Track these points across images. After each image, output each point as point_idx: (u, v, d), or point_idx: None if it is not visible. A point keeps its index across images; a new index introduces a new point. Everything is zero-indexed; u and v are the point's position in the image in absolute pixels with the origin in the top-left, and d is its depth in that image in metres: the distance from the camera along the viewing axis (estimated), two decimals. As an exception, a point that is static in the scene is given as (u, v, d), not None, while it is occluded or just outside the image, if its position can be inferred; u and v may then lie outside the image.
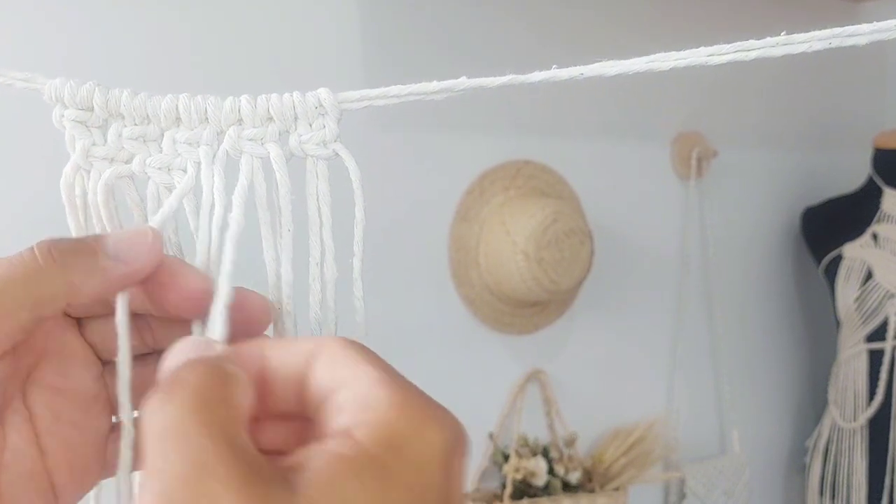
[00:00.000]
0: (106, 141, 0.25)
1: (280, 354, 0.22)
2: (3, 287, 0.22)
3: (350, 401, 0.20)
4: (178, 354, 0.22)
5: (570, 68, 0.21)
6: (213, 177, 0.25)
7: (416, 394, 0.21)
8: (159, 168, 0.25)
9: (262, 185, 0.26)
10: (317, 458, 0.19)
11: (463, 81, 0.24)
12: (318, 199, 0.26)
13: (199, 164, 0.25)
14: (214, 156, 0.25)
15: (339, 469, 0.19)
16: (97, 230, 0.26)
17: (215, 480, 0.18)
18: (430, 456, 0.20)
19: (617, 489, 1.18)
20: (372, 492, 0.18)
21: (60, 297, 0.23)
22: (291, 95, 0.25)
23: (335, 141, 0.25)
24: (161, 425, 0.19)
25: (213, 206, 0.25)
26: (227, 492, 0.17)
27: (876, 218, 1.36)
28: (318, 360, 0.22)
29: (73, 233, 0.26)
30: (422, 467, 0.20)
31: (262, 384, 0.22)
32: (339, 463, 0.19)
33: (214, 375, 0.20)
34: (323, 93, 0.25)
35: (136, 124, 0.25)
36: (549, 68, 0.24)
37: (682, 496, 1.33)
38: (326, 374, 0.21)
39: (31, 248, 0.23)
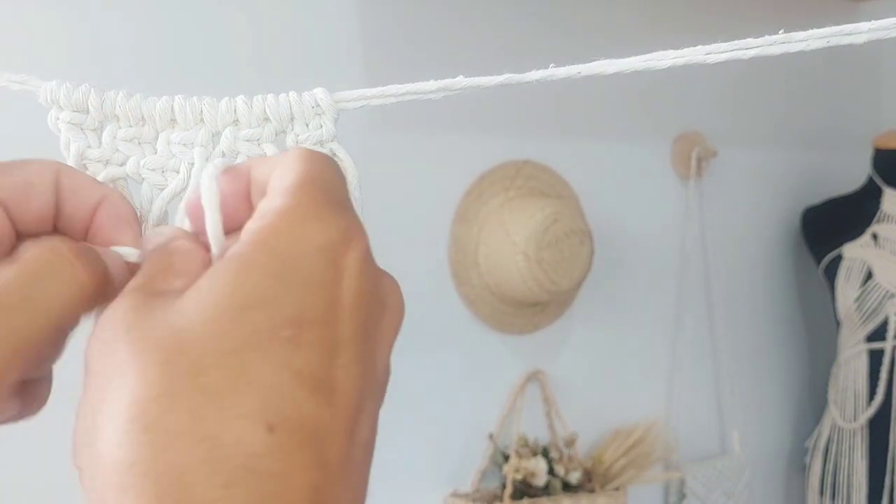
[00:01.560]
0: (101, 143, 0.25)
1: (258, 165, 0.23)
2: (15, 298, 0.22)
3: (258, 209, 0.22)
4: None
5: (567, 67, 0.21)
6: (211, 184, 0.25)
7: (313, 202, 0.21)
8: (153, 169, 0.25)
9: None
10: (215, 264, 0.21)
11: (460, 81, 0.24)
12: None
13: (191, 164, 0.25)
14: (209, 157, 0.25)
15: (223, 263, 0.21)
16: None
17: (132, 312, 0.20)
18: (304, 249, 0.20)
19: (617, 489, 1.18)
20: (242, 271, 0.20)
21: (80, 302, 0.22)
22: (288, 95, 0.25)
23: (332, 141, 0.25)
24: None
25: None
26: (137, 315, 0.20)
27: (876, 218, 1.36)
28: (276, 168, 0.23)
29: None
30: (292, 259, 0.20)
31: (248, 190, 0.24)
32: (227, 259, 0.21)
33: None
34: (319, 92, 0.25)
35: (130, 126, 0.25)
36: (548, 66, 0.24)
37: (682, 496, 1.33)
38: (267, 178, 0.23)
39: (55, 246, 0.23)
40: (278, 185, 0.22)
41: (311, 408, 0.19)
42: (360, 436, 0.20)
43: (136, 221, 0.25)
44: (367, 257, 0.22)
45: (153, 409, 0.18)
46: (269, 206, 0.21)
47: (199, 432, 0.18)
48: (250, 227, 0.21)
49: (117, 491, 0.18)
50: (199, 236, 0.23)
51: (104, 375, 0.19)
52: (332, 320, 0.20)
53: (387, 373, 0.22)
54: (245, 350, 0.19)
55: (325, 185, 0.22)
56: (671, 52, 0.19)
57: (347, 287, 0.21)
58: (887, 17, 0.23)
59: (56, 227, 0.24)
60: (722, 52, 0.19)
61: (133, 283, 0.22)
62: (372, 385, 0.21)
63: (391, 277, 0.23)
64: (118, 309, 0.20)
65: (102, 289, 0.22)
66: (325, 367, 0.20)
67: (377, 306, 0.22)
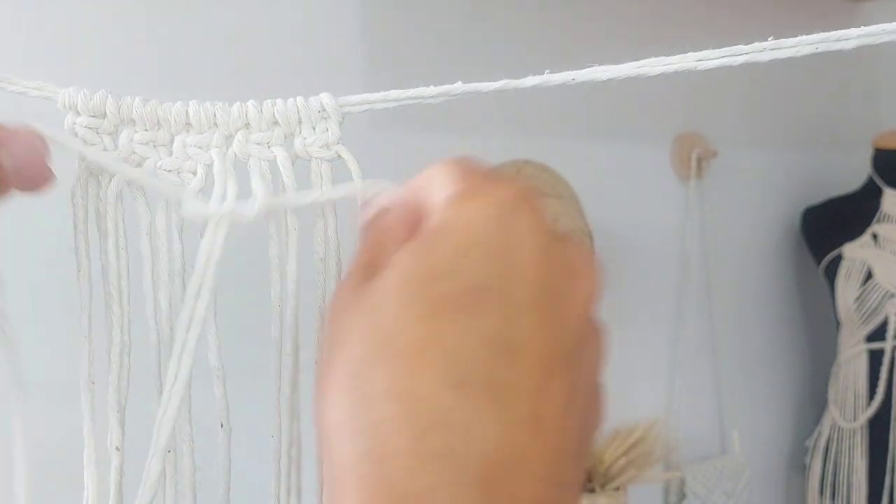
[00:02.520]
0: (117, 146, 0.26)
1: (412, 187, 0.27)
2: None
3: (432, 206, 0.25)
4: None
5: (562, 73, 0.22)
6: (225, 174, 0.26)
7: (477, 181, 0.24)
8: (169, 171, 0.26)
9: (270, 186, 0.26)
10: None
11: (459, 86, 0.24)
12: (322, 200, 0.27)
13: (208, 165, 0.26)
14: (223, 158, 0.26)
15: (407, 246, 0.23)
16: (105, 236, 0.27)
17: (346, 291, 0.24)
18: (477, 222, 0.22)
19: (617, 489, 1.19)
20: (424, 250, 0.22)
21: None
22: (295, 100, 0.26)
23: (338, 143, 0.26)
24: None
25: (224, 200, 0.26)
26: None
27: (876, 218, 1.36)
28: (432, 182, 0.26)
29: (75, 238, 0.27)
30: (466, 232, 0.22)
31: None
32: (409, 244, 0.23)
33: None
34: (325, 97, 0.26)
35: (146, 129, 0.26)
36: (544, 71, 0.24)
37: (682, 496, 1.33)
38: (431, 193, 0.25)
39: None
40: (437, 183, 0.25)
41: (496, 367, 0.21)
42: (553, 397, 0.21)
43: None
44: (539, 218, 0.23)
45: (363, 372, 0.21)
46: (434, 199, 0.24)
47: (396, 392, 0.20)
48: (434, 208, 0.24)
49: (338, 444, 0.21)
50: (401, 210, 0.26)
51: (335, 343, 0.23)
52: (509, 286, 0.22)
53: (588, 335, 0.24)
54: (431, 317, 0.21)
55: (477, 168, 0.24)
56: (663, 59, 0.20)
57: (523, 252, 0.22)
58: (887, 17, 0.24)
59: None
60: (712, 59, 0.20)
61: (359, 260, 0.25)
62: (561, 348, 0.22)
63: (579, 246, 0.25)
64: (346, 285, 0.24)
65: None
66: (507, 329, 0.21)
67: (560, 272, 0.23)
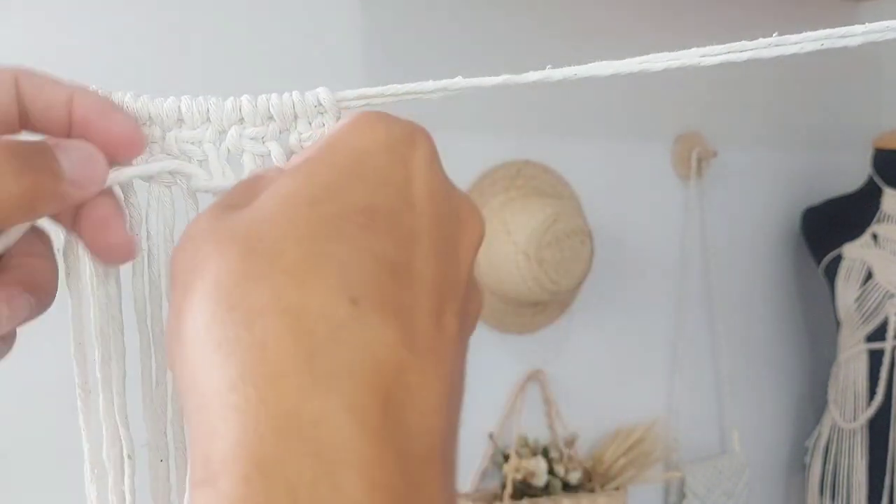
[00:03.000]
0: None
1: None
2: None
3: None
4: None
5: (564, 69, 0.22)
6: (222, 169, 0.25)
7: (374, 114, 0.23)
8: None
9: None
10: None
11: (459, 81, 0.24)
12: None
13: (201, 161, 0.26)
14: (218, 152, 0.26)
15: (283, 175, 0.22)
16: None
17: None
18: (371, 147, 0.21)
19: (617, 489, 1.19)
20: (307, 170, 0.21)
21: (14, 218, 0.22)
22: (291, 95, 0.25)
23: None
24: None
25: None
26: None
27: (876, 218, 1.36)
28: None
29: (65, 241, 0.26)
30: (359, 155, 0.21)
31: None
32: (286, 172, 0.22)
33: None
34: (322, 92, 0.25)
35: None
36: (545, 68, 0.24)
37: (682, 496, 1.33)
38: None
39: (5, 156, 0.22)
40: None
41: (392, 287, 0.19)
42: (446, 329, 0.20)
43: (116, 105, 0.25)
44: (435, 159, 0.22)
45: (237, 290, 0.19)
46: (335, 125, 0.23)
47: (283, 307, 0.18)
48: (320, 141, 0.23)
49: (205, 373, 0.18)
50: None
51: (189, 272, 0.20)
52: (405, 212, 0.21)
53: (472, 287, 0.22)
54: (321, 235, 0.20)
55: (382, 113, 0.23)
56: (666, 55, 0.20)
57: (418, 184, 0.21)
58: (887, 17, 0.24)
59: (32, 128, 0.24)
60: (716, 55, 0.20)
61: (216, 201, 0.23)
62: (454, 286, 0.21)
63: (465, 195, 0.23)
64: (199, 219, 0.21)
65: (43, 191, 0.22)
66: (403, 252, 0.20)
67: (451, 213, 0.22)
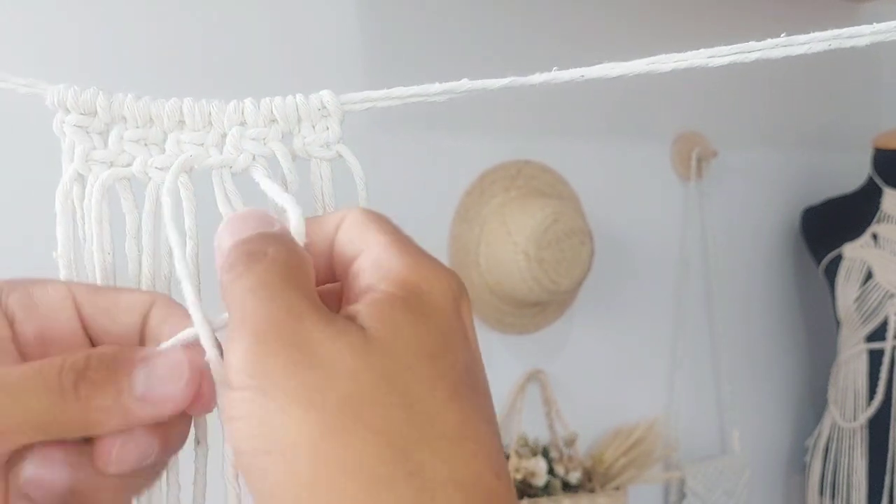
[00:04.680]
0: (107, 145, 0.25)
1: (315, 229, 0.24)
2: (10, 405, 0.20)
3: (368, 264, 0.23)
4: (242, 226, 0.23)
5: (570, 70, 0.22)
6: (221, 174, 0.25)
7: (422, 254, 0.23)
8: (161, 168, 0.25)
9: (269, 184, 0.26)
10: (363, 305, 0.22)
11: (464, 83, 0.24)
12: (322, 200, 0.26)
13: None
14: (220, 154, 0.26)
15: (385, 305, 0.21)
16: (90, 238, 0.26)
17: (307, 321, 0.20)
18: (444, 301, 0.22)
19: (617, 489, 1.19)
20: (415, 320, 0.21)
21: (69, 433, 0.21)
22: (294, 98, 0.25)
23: (338, 142, 0.26)
24: (251, 283, 0.21)
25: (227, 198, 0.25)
26: (317, 329, 0.20)
27: (876, 218, 1.36)
28: (341, 228, 0.24)
29: (60, 240, 0.25)
30: (440, 310, 0.22)
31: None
32: (382, 301, 0.21)
33: (291, 249, 0.22)
34: (326, 95, 0.25)
35: (138, 127, 0.25)
36: (550, 68, 0.24)
37: (682, 496, 1.33)
38: (346, 240, 0.24)
39: (58, 370, 0.21)
40: (374, 237, 0.23)
41: (499, 447, 0.21)
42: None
43: (187, 314, 0.23)
44: (469, 300, 0.24)
45: (414, 455, 0.19)
46: (382, 258, 0.23)
47: (461, 480, 0.20)
48: (376, 276, 0.22)
49: None
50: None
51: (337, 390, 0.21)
52: (480, 367, 0.22)
53: None
54: (455, 399, 0.20)
55: (404, 234, 0.24)
56: (674, 56, 0.19)
57: (472, 335, 0.23)
58: (888, 17, 0.23)
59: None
60: (724, 56, 0.19)
61: (301, 286, 0.22)
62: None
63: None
64: (336, 325, 0.21)
65: (98, 411, 0.21)
66: (490, 408, 0.22)
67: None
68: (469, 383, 0.21)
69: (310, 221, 0.24)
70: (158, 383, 0.21)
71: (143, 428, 0.22)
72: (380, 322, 0.21)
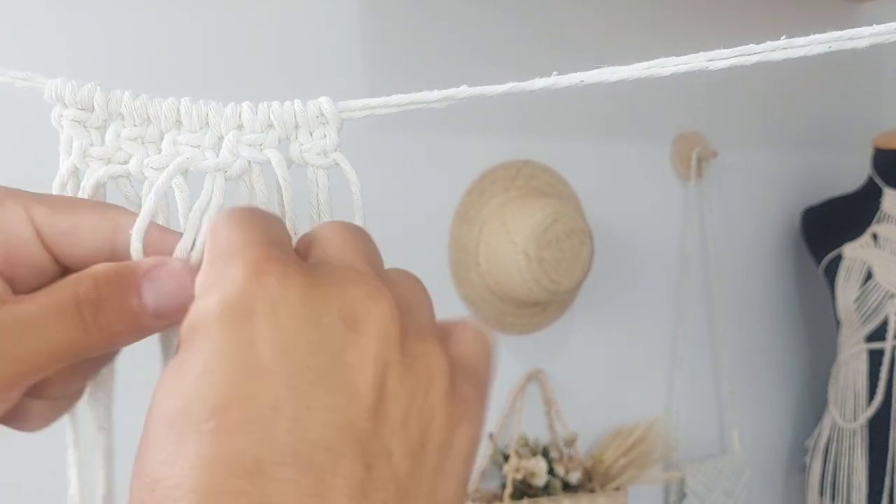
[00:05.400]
0: (104, 141, 0.25)
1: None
2: (34, 341, 0.21)
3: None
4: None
5: (570, 75, 0.21)
6: (214, 178, 0.25)
7: (213, 284, 0.21)
8: (156, 168, 0.25)
9: (263, 189, 0.26)
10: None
11: (464, 90, 0.24)
12: (318, 208, 0.26)
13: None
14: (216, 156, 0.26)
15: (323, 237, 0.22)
16: None
17: (273, 261, 0.20)
18: (209, 343, 0.20)
19: (617, 489, 1.19)
20: (164, 380, 0.19)
21: (91, 355, 0.22)
22: (293, 104, 0.25)
23: (335, 150, 0.26)
24: (220, 237, 0.21)
25: (209, 203, 0.25)
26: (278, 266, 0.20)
27: (876, 218, 1.36)
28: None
29: None
30: (208, 351, 0.20)
31: None
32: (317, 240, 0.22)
33: (262, 214, 0.23)
34: (324, 102, 0.25)
35: (135, 125, 0.25)
36: (549, 71, 0.24)
37: (682, 496, 1.33)
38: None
39: (75, 303, 0.21)
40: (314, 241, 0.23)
41: (258, 496, 0.18)
42: (342, 488, 0.19)
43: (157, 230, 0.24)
44: (281, 302, 0.20)
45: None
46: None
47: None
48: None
49: None
50: None
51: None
52: (254, 387, 0.19)
53: (397, 379, 0.20)
54: (178, 460, 0.19)
55: (223, 241, 0.22)
56: (674, 59, 0.19)
57: (262, 350, 0.20)
58: (888, 17, 0.23)
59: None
60: (724, 59, 0.19)
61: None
62: (343, 424, 0.20)
63: (357, 281, 0.21)
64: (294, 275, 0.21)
65: (118, 333, 0.22)
66: (259, 442, 0.19)
67: (328, 328, 0.20)
68: (203, 428, 0.18)
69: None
70: (169, 298, 0.22)
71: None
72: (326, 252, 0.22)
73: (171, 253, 0.24)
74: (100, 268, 0.22)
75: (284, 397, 0.18)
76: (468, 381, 0.22)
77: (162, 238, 0.24)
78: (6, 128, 0.82)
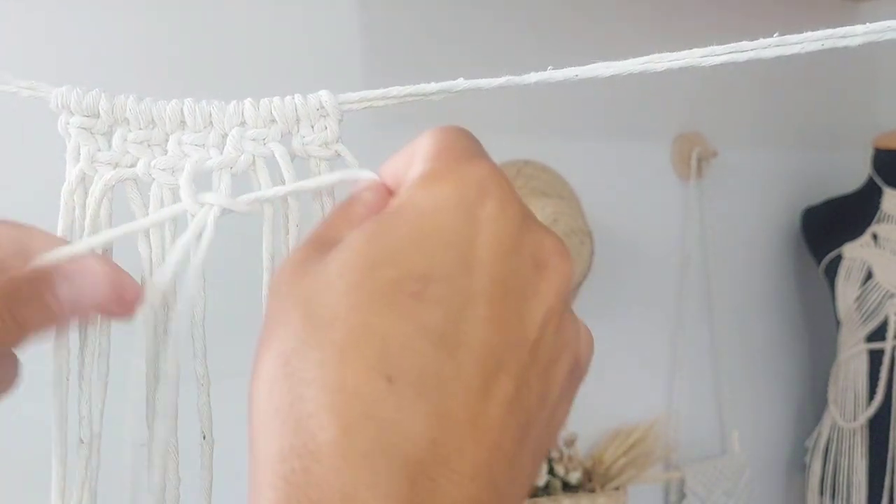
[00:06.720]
0: (111, 146, 0.26)
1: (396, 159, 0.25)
2: None
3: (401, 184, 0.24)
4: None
5: (565, 70, 0.22)
6: (220, 170, 0.25)
7: (447, 162, 0.22)
8: (164, 170, 0.26)
9: (269, 184, 0.26)
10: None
11: (460, 83, 0.24)
12: (321, 199, 0.27)
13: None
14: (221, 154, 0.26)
15: (353, 233, 0.22)
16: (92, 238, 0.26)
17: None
18: (439, 206, 0.21)
19: (617, 489, 1.19)
20: (361, 241, 0.21)
21: (6, 347, 0.24)
22: (293, 98, 0.26)
23: (337, 142, 0.26)
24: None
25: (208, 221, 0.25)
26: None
27: (876, 218, 1.36)
28: (413, 163, 0.24)
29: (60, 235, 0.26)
30: (426, 217, 0.21)
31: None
32: (357, 230, 0.22)
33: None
34: (324, 95, 0.25)
35: (140, 128, 0.26)
36: (546, 69, 0.24)
37: (682, 496, 1.33)
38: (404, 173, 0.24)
39: None
40: (416, 158, 0.23)
41: (434, 359, 0.20)
42: (497, 393, 0.20)
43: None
44: (506, 206, 0.22)
45: (294, 359, 0.20)
46: (407, 176, 0.23)
47: (326, 383, 0.19)
48: (401, 188, 0.23)
49: (263, 437, 0.20)
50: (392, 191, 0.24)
51: (270, 320, 0.21)
52: (462, 275, 0.20)
53: (559, 339, 0.22)
54: (370, 305, 0.20)
55: (458, 143, 0.23)
56: (668, 55, 0.20)
57: (483, 241, 0.21)
58: (886, 17, 0.24)
59: None
60: (718, 56, 0.20)
61: (314, 231, 0.24)
62: (515, 345, 0.21)
63: (554, 236, 0.23)
64: (291, 259, 0.22)
65: (31, 325, 0.23)
66: (451, 321, 0.20)
67: (525, 262, 0.21)
68: (411, 290, 0.20)
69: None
70: (81, 292, 0.24)
71: None
72: (342, 246, 0.21)
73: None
74: (15, 271, 0.24)
75: (480, 293, 0.20)
76: (578, 371, 0.24)
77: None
78: (11, 136, 0.82)
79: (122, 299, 0.24)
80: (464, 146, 0.23)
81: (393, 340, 0.19)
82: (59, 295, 0.23)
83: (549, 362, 0.22)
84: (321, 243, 0.22)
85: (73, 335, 0.27)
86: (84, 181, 0.26)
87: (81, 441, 0.26)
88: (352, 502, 0.18)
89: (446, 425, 0.19)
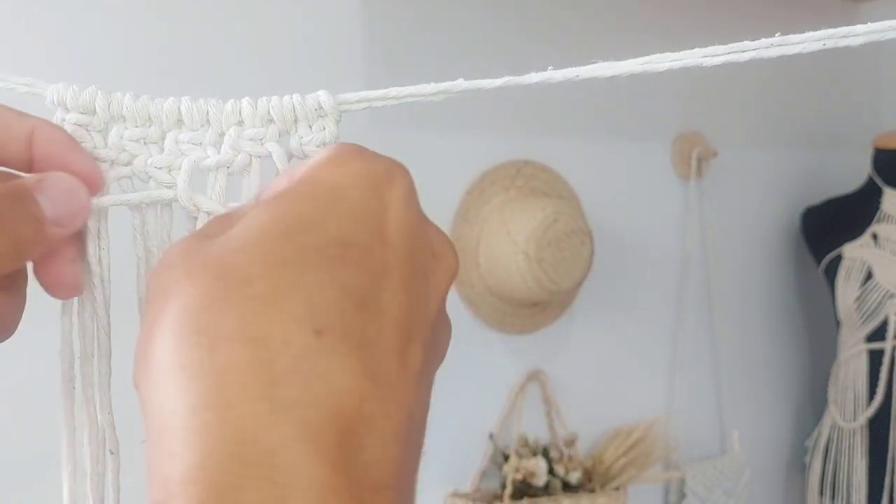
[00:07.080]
0: (107, 144, 0.26)
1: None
2: None
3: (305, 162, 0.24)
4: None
5: (565, 70, 0.22)
6: (217, 169, 0.25)
7: (355, 148, 0.23)
8: (160, 168, 0.26)
9: (260, 184, 0.26)
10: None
11: (460, 83, 0.24)
12: None
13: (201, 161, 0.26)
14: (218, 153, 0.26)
15: (259, 204, 0.22)
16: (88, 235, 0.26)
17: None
18: (349, 181, 0.22)
19: (617, 489, 1.19)
20: (273, 209, 0.21)
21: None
22: (291, 97, 0.25)
23: (334, 142, 0.26)
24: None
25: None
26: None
27: (876, 218, 1.36)
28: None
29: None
30: (337, 188, 0.21)
31: None
32: (263, 202, 0.22)
33: None
34: (322, 95, 0.25)
35: (137, 126, 0.26)
36: (546, 69, 0.24)
37: (682, 496, 1.33)
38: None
39: None
40: (309, 162, 0.24)
41: (358, 321, 0.20)
42: (410, 363, 0.20)
43: (76, 142, 0.25)
44: (411, 195, 0.23)
45: (204, 315, 0.19)
46: (314, 156, 0.23)
47: (247, 335, 0.19)
48: (297, 171, 0.23)
49: (168, 395, 0.19)
50: None
51: (160, 295, 0.20)
52: (377, 246, 0.21)
53: (441, 321, 0.23)
54: (292, 264, 0.20)
55: (359, 146, 0.23)
56: (669, 55, 0.20)
57: (392, 218, 0.22)
58: (887, 17, 0.23)
59: None
60: (719, 55, 0.19)
61: (193, 231, 0.24)
62: (422, 320, 0.21)
63: (441, 231, 0.24)
64: (175, 245, 0.22)
65: (25, 241, 0.23)
66: (372, 286, 0.20)
67: (424, 248, 0.22)
68: (330, 253, 0.20)
69: None
70: (62, 204, 0.23)
71: None
72: (253, 212, 0.21)
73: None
74: None
75: (394, 265, 0.21)
76: (441, 362, 0.24)
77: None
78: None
79: (94, 185, 0.25)
80: (364, 148, 0.24)
81: (318, 298, 0.19)
82: (41, 206, 0.23)
83: (439, 343, 0.23)
84: (209, 231, 0.22)
85: (74, 336, 0.27)
86: None
87: (111, 452, 0.26)
88: (276, 456, 0.18)
89: (372, 385, 0.19)
